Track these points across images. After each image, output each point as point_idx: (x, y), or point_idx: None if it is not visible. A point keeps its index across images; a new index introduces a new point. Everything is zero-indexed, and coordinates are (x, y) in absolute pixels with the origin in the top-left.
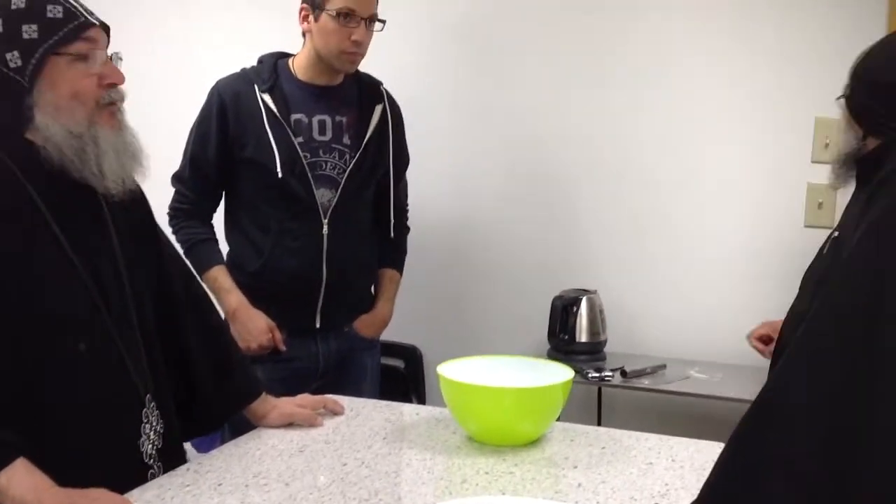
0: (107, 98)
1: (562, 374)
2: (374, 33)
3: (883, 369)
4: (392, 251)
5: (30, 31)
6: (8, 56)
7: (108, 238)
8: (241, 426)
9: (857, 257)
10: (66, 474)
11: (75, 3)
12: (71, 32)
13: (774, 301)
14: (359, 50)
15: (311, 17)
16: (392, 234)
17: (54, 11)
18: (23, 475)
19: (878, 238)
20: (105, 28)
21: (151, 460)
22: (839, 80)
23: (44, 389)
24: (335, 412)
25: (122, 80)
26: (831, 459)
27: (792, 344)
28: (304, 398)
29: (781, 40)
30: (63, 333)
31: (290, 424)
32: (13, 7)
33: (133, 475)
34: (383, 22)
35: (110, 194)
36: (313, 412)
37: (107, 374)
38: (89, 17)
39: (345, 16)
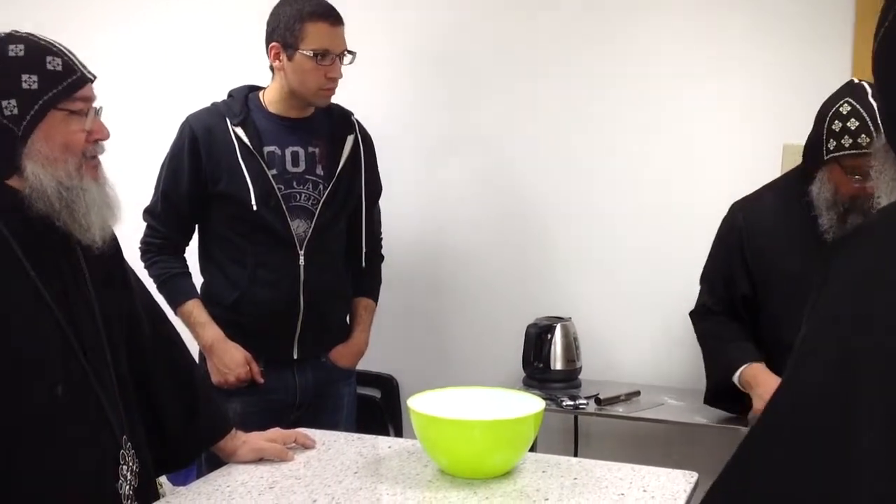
0: (91, 151)
1: (533, 405)
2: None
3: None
4: (366, 280)
5: (29, 80)
6: (3, 103)
7: (84, 284)
8: (217, 458)
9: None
10: None
11: (72, 56)
12: (70, 87)
13: None
14: (334, 85)
15: (282, 56)
16: (363, 263)
17: (54, 63)
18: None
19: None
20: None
21: (128, 501)
22: (807, 105)
23: (21, 433)
24: (306, 446)
25: (108, 136)
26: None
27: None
28: (275, 432)
29: (751, 69)
30: (39, 377)
31: (260, 459)
32: (11, 55)
33: None
34: (353, 54)
35: (94, 245)
36: (284, 447)
37: (85, 417)
38: (85, 72)
39: (320, 55)
